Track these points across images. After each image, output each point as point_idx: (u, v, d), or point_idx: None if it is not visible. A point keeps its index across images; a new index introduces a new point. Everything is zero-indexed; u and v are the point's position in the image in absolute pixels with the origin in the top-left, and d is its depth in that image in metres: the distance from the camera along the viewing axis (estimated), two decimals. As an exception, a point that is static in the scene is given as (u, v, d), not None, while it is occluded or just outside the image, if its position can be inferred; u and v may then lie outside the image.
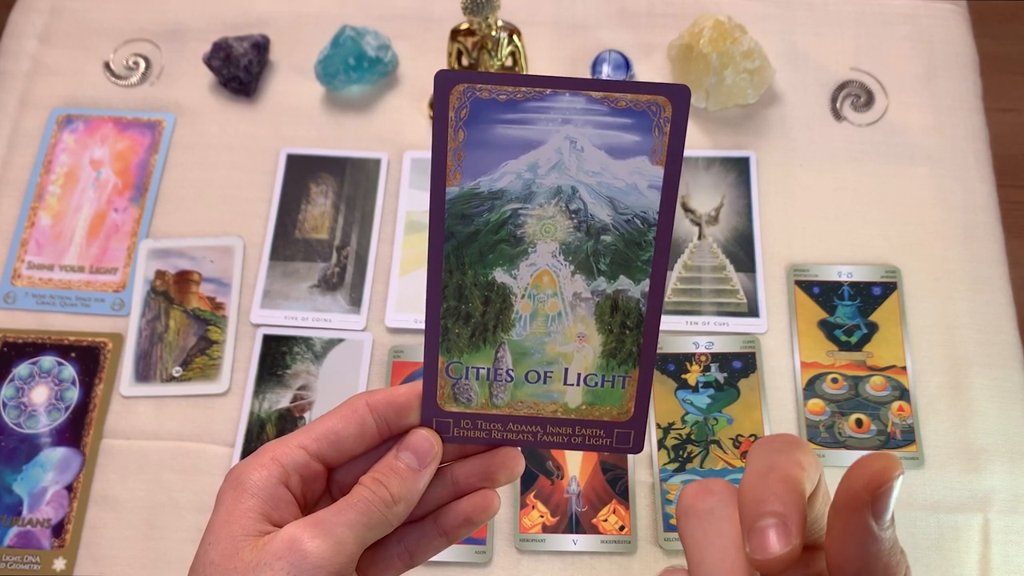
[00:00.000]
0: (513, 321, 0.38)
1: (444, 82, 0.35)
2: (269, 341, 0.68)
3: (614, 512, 0.62)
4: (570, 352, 0.38)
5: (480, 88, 0.35)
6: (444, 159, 0.36)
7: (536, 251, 0.37)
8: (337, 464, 0.38)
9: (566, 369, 0.38)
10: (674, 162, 0.36)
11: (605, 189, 0.36)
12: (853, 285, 0.69)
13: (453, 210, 0.37)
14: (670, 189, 0.36)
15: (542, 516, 0.62)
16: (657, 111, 0.35)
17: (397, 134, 0.76)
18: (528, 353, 0.38)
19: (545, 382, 0.38)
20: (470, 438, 0.39)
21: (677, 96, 0.35)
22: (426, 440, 0.38)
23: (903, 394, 0.66)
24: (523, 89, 0.35)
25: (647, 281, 0.37)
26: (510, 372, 0.38)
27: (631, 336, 0.38)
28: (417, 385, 0.38)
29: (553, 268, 0.37)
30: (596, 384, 0.38)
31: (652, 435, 0.65)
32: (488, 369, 0.38)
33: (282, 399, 0.67)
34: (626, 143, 0.36)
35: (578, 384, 0.38)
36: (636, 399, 0.39)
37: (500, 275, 0.37)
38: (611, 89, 0.35)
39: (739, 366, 0.67)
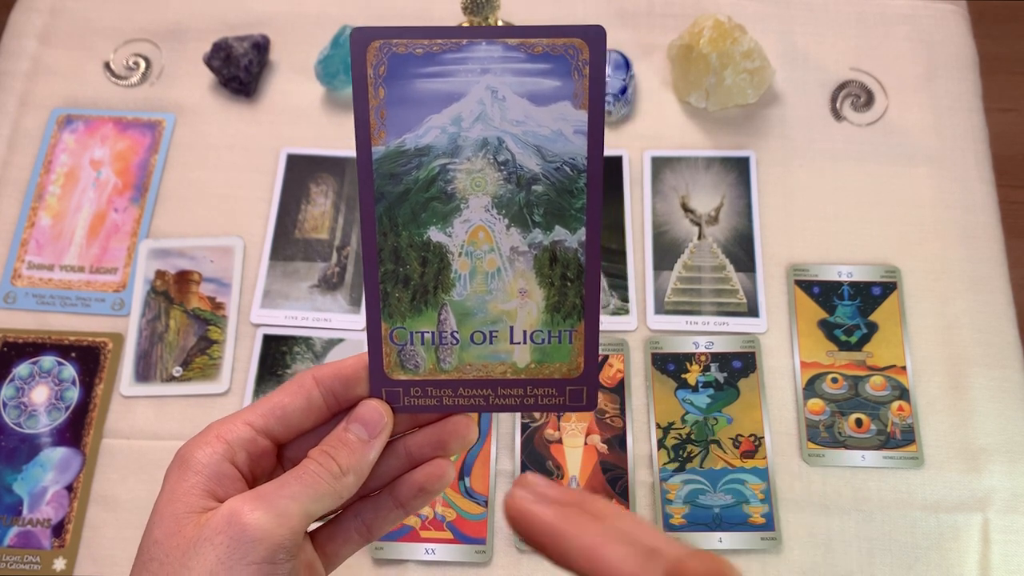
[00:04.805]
0: (452, 281, 0.37)
1: (359, 39, 0.35)
2: (269, 341, 0.68)
3: (614, 512, 0.62)
4: (513, 309, 0.38)
5: (396, 43, 0.35)
6: (367, 118, 0.35)
7: (469, 206, 0.37)
8: (286, 440, 0.38)
9: (511, 327, 0.38)
10: (597, 105, 0.35)
11: (531, 138, 0.36)
12: (853, 285, 0.69)
13: (381, 170, 0.36)
14: (596, 133, 0.36)
15: (542, 516, 0.62)
16: (575, 54, 0.35)
17: (397, 134, 0.76)
18: (471, 313, 0.38)
19: (491, 342, 0.38)
20: (421, 406, 0.38)
21: (593, 37, 0.35)
22: (375, 411, 0.37)
23: (903, 394, 0.66)
24: (439, 41, 0.35)
25: (583, 230, 0.37)
26: (455, 334, 0.38)
27: (573, 288, 0.37)
28: (363, 355, 0.38)
29: (487, 223, 0.37)
30: (543, 340, 0.38)
31: (652, 435, 0.65)
32: (432, 333, 0.38)
33: (282, 399, 0.67)
34: (547, 89, 0.35)
35: (525, 342, 0.38)
36: (585, 354, 0.38)
37: (435, 234, 0.37)
38: (526, 35, 0.35)
39: (739, 366, 0.67)
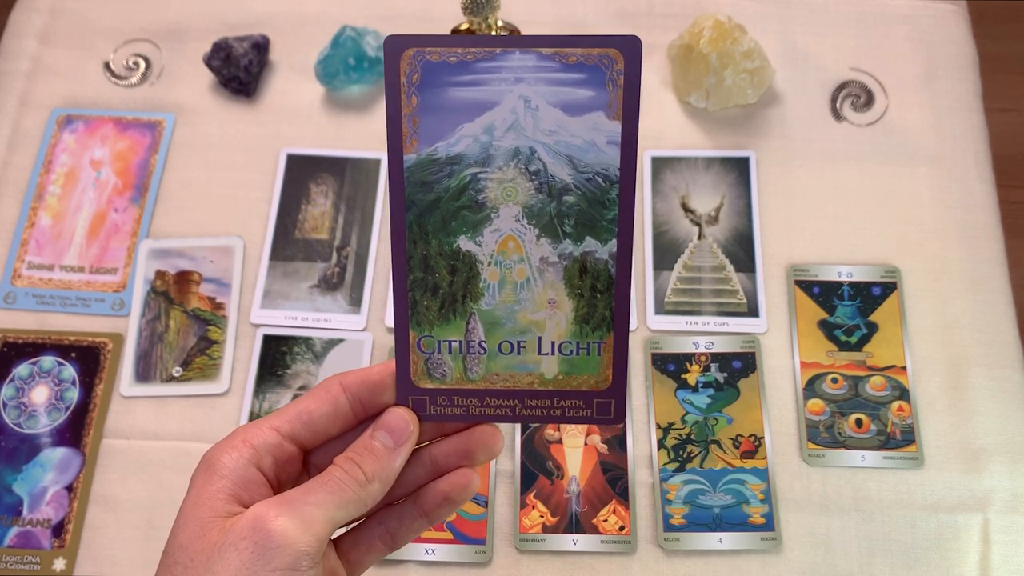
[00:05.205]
0: (481, 290, 0.37)
1: (394, 47, 0.35)
2: (269, 341, 0.68)
3: (614, 512, 0.62)
4: (542, 320, 0.37)
5: (430, 51, 0.35)
6: (399, 126, 0.35)
7: (499, 216, 0.36)
8: (312, 446, 0.38)
9: (539, 338, 0.37)
10: (631, 116, 0.35)
11: (563, 148, 0.36)
12: (853, 285, 0.69)
13: (412, 178, 0.36)
14: (629, 144, 0.35)
15: (542, 516, 0.62)
16: (609, 64, 0.35)
17: (397, 134, 0.76)
18: (499, 323, 0.37)
19: (519, 352, 0.38)
20: (448, 415, 0.38)
21: (628, 47, 0.35)
22: (401, 419, 0.37)
23: (903, 394, 0.66)
24: (473, 50, 0.35)
25: (614, 241, 0.36)
26: (483, 344, 0.38)
27: (603, 300, 0.37)
28: (391, 363, 0.38)
29: (518, 233, 0.37)
30: (571, 352, 0.37)
31: (652, 435, 0.65)
32: (460, 342, 0.37)
33: (282, 399, 0.67)
34: (581, 99, 0.35)
35: (553, 353, 0.37)
36: (613, 366, 0.38)
37: (464, 243, 0.37)
38: (561, 44, 0.35)
39: (739, 366, 0.67)
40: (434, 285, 0.37)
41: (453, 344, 0.38)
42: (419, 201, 0.36)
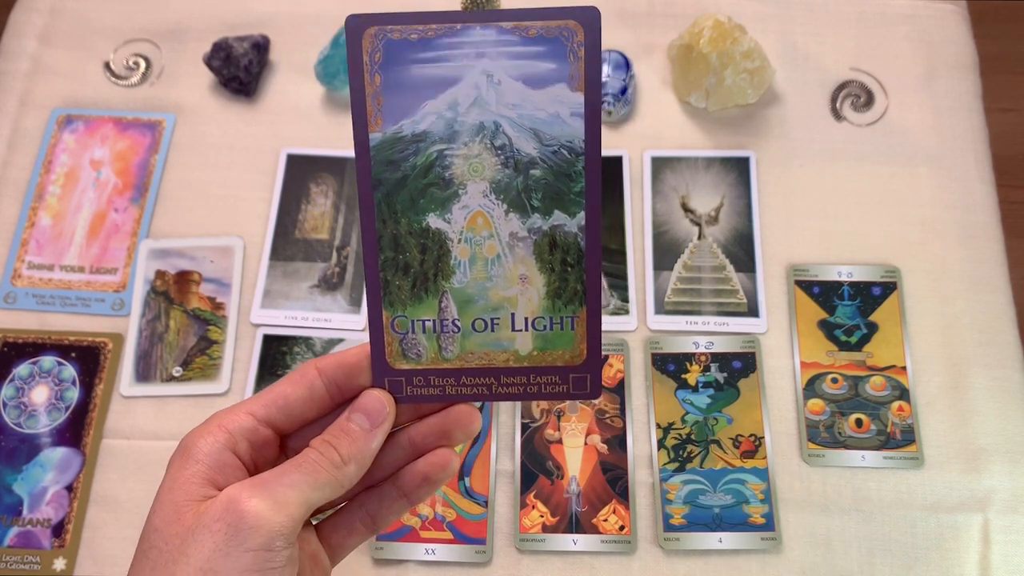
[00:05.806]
0: (453, 268, 0.37)
1: (355, 26, 0.35)
2: (269, 341, 0.68)
3: (614, 512, 0.62)
4: (514, 296, 0.37)
5: (391, 29, 0.35)
6: (363, 105, 0.35)
7: (467, 192, 0.36)
8: (289, 430, 0.38)
9: (512, 314, 0.37)
10: (593, 86, 0.35)
11: (528, 121, 0.35)
12: (853, 285, 0.69)
13: (378, 157, 0.36)
14: (593, 114, 0.35)
15: (542, 516, 0.62)
16: (569, 36, 0.35)
17: (397, 134, 0.76)
18: (472, 300, 0.37)
19: (493, 330, 0.37)
20: (424, 396, 0.38)
21: (587, 18, 0.34)
22: (377, 400, 0.37)
23: (903, 394, 0.66)
24: (434, 26, 0.35)
25: (583, 214, 0.36)
26: (456, 322, 0.37)
27: (573, 273, 0.37)
28: (366, 345, 0.38)
29: (486, 208, 0.36)
30: (545, 327, 0.37)
31: (652, 435, 0.65)
32: (434, 321, 0.37)
33: (282, 399, 0.67)
34: (542, 72, 0.35)
35: (526, 329, 0.37)
36: (587, 340, 0.37)
37: (434, 220, 0.37)
38: (520, 18, 0.34)
39: (739, 366, 0.67)
40: (405, 264, 0.37)
41: (427, 323, 0.37)
42: (386, 180, 0.36)
